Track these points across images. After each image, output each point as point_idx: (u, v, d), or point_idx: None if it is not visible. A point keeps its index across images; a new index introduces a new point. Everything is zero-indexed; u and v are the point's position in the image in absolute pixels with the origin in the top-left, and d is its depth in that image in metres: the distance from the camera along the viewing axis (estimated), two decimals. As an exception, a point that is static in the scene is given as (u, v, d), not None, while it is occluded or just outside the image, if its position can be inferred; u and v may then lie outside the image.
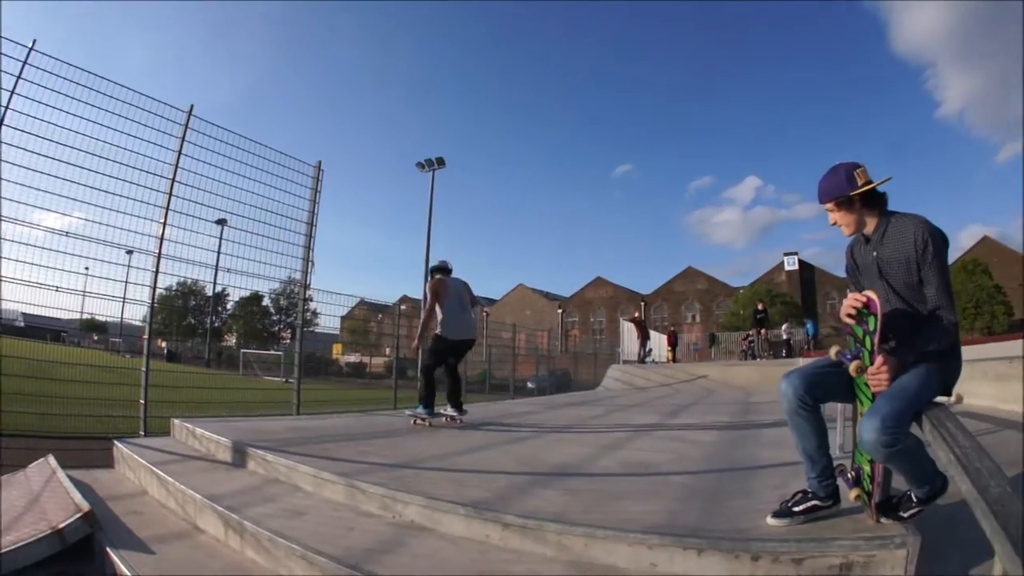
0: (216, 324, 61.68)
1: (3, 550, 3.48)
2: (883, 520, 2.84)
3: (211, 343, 56.01)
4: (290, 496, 4.27)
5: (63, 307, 6.85)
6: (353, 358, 45.27)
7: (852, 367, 2.76)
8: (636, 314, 29.57)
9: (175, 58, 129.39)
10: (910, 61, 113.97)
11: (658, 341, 28.27)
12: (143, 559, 3.50)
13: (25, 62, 6.56)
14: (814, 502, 2.97)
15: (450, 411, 8.02)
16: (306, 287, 9.79)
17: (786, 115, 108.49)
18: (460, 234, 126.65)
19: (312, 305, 13.67)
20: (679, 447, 5.93)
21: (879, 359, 2.69)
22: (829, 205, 3.02)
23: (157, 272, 7.50)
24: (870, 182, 2.93)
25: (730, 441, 6.39)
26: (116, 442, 5.80)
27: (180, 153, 7.78)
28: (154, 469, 4.90)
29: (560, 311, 70.27)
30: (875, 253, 2.98)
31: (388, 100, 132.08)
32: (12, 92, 6.45)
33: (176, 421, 6.46)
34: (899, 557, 2.56)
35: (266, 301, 58.21)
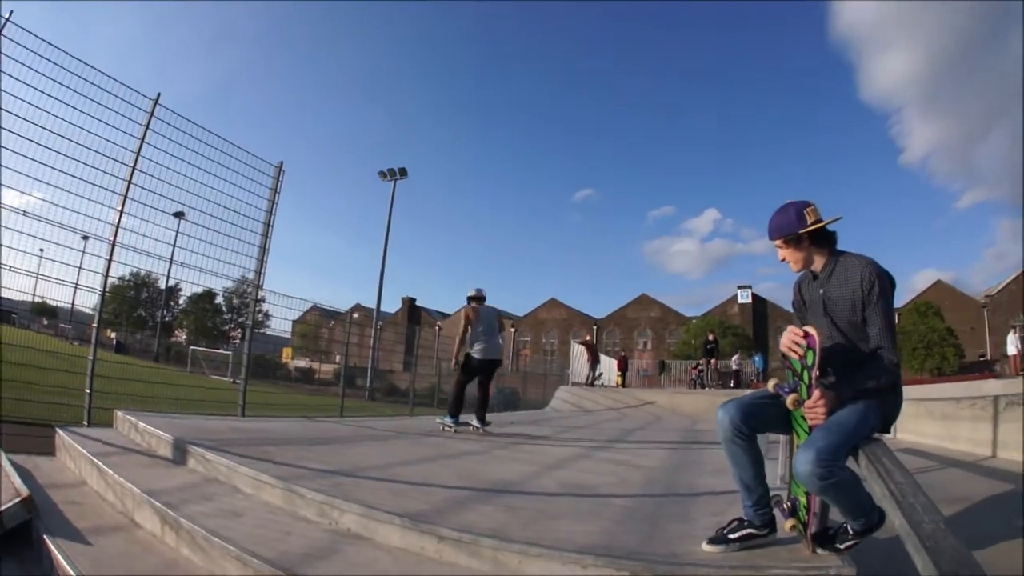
0: (167, 318, 60.58)
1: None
2: (819, 551, 2.84)
3: (160, 337, 54.95)
4: (228, 496, 4.20)
5: (15, 288, 6.79)
6: (303, 363, 44.90)
7: (789, 400, 2.77)
8: (587, 337, 29.58)
9: (146, 41, 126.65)
10: (876, 106, 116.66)
11: (608, 365, 28.40)
12: (80, 550, 3.41)
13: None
14: (750, 530, 2.96)
15: (475, 422, 8.88)
16: (259, 287, 9.62)
17: (748, 151, 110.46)
18: (418, 246, 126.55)
19: (264, 307, 13.49)
20: (621, 470, 5.93)
21: (816, 393, 2.70)
22: (778, 242, 3.04)
23: (111, 260, 7.32)
24: (820, 220, 2.96)
25: (672, 467, 6.41)
26: (59, 430, 5.65)
27: (143, 141, 7.61)
28: (95, 460, 4.77)
29: (513, 330, 70.27)
30: (822, 291, 3.01)
31: (356, 107, 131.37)
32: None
33: (119, 413, 6.30)
34: (835, 588, 2.57)
35: (219, 299, 57.50)
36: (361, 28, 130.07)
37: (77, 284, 7.35)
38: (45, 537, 3.53)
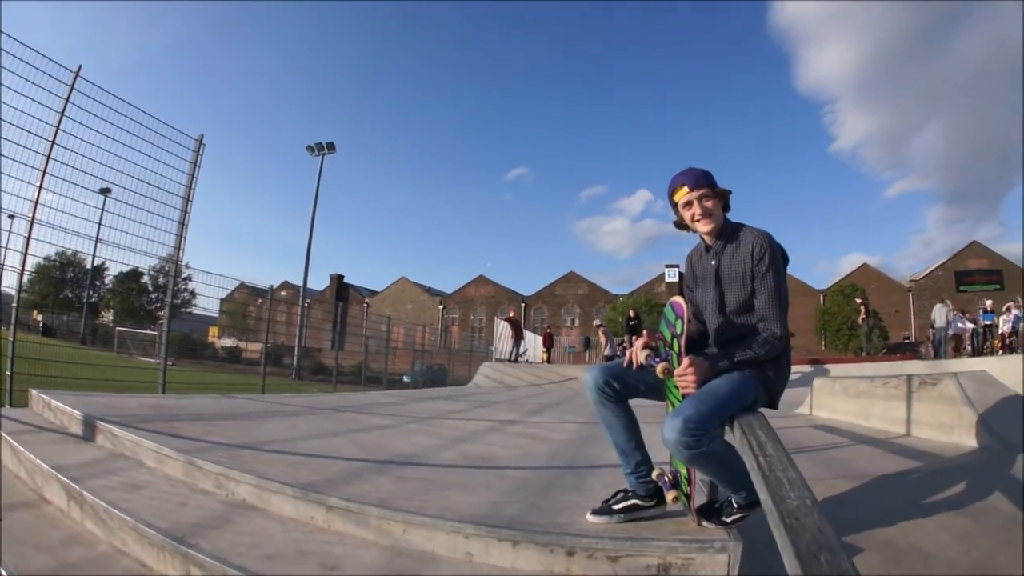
0: (93, 299, 58.47)
1: None
2: (705, 524, 2.85)
3: (87, 319, 53.08)
4: (133, 471, 4.20)
5: None
6: (230, 342, 44.03)
7: (659, 369, 2.76)
8: (511, 313, 29.79)
9: (67, 16, 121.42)
10: (811, 95, 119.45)
11: (533, 342, 28.58)
12: None
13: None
14: (634, 500, 2.95)
15: None
16: (178, 263, 9.60)
17: (682, 135, 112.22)
18: (346, 221, 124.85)
19: (191, 285, 13.14)
20: (527, 443, 5.94)
21: (685, 361, 2.68)
22: (708, 190, 2.91)
23: (29, 236, 7.15)
24: None
25: (581, 440, 6.44)
26: None
27: (63, 115, 7.48)
28: (7, 438, 4.74)
29: (441, 307, 70.15)
30: (714, 262, 2.99)
31: (282, 81, 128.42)
32: None
33: (33, 392, 6.16)
34: (719, 561, 2.57)
35: (145, 279, 55.73)
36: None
37: (2, 264, 7.24)
38: None
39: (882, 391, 7.43)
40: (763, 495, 2.04)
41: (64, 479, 3.79)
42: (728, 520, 2.82)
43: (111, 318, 54.33)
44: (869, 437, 6.56)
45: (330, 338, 33.70)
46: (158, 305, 55.54)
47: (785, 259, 2.91)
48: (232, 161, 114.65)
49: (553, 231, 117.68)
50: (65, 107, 7.44)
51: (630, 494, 2.98)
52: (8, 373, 6.81)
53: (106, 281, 58.40)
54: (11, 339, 6.96)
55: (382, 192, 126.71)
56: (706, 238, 3.03)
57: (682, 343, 2.77)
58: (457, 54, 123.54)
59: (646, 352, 2.87)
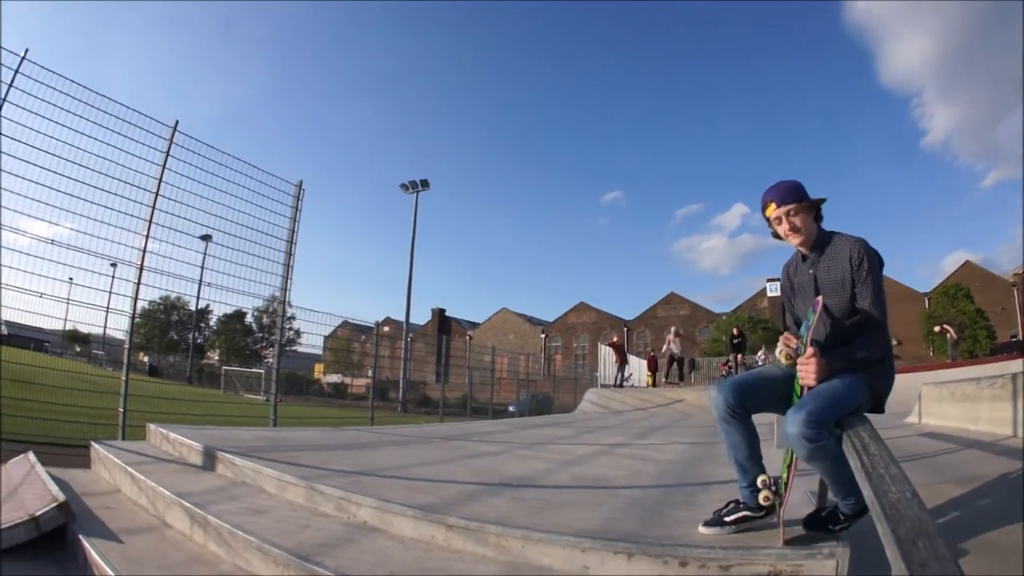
0: (199, 340, 61.22)
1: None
2: (810, 533, 2.88)
3: (193, 359, 55.63)
4: (254, 497, 4.40)
5: (46, 313, 7.08)
6: (335, 378, 45.23)
7: (783, 356, 2.87)
8: (615, 339, 29.43)
9: (160, 71, 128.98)
10: (897, 91, 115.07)
11: (638, 366, 28.29)
12: (112, 547, 3.60)
13: (17, 70, 6.70)
14: (745, 512, 3.00)
15: None
16: (285, 303, 9.91)
17: (774, 145, 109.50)
18: (444, 257, 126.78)
19: (295, 324, 13.67)
20: (636, 464, 5.98)
21: (810, 350, 2.76)
22: (791, 207, 2.98)
23: (139, 283, 7.62)
24: None
25: (689, 460, 6.44)
26: (93, 443, 5.85)
27: (164, 167, 7.94)
28: (128, 468, 4.98)
29: (543, 335, 70.26)
30: (812, 271, 3.04)
31: (375, 120, 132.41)
32: (3, 99, 6.59)
33: (151, 426, 6.49)
34: (828, 567, 2.60)
35: (249, 319, 58.07)
36: (379, 30, 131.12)
37: (108, 307, 7.69)
38: (80, 537, 3.72)
39: (988, 392, 7.12)
40: (866, 491, 2.10)
41: (187, 504, 4.01)
42: (835, 528, 2.86)
43: (217, 357, 56.61)
44: (976, 441, 6.32)
45: (434, 371, 34.35)
46: (263, 344, 57.70)
47: (881, 263, 2.93)
48: (330, 201, 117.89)
49: (651, 252, 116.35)
50: (166, 160, 7.95)
51: (742, 506, 3.03)
52: (121, 410, 7.21)
53: (211, 322, 60.82)
54: (124, 378, 7.43)
55: (479, 223, 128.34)
56: (801, 249, 3.11)
57: (809, 336, 2.83)
58: (549, 78, 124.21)
59: (786, 352, 2.95)
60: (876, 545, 1.91)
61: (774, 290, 60.77)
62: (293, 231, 9.79)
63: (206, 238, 8.90)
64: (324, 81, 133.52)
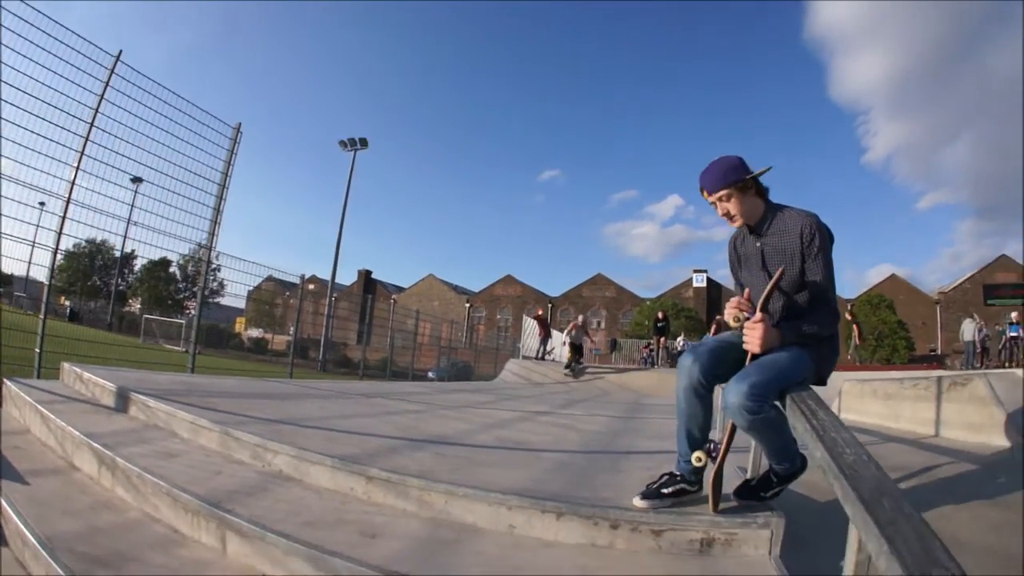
0: (121, 287, 59.18)
1: None
2: (738, 501, 2.87)
3: (114, 306, 53.81)
4: (166, 441, 4.21)
5: None
6: (256, 333, 44.50)
7: (731, 319, 2.78)
8: (539, 312, 29.63)
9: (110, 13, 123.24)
10: (845, 106, 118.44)
11: (560, 341, 28.49)
12: (17, 489, 3.39)
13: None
14: (683, 485, 2.90)
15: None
16: (212, 249, 9.55)
17: (714, 143, 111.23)
18: (376, 218, 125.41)
19: (220, 275, 13.17)
20: (560, 432, 5.92)
21: (758, 315, 2.68)
22: (724, 192, 2.91)
23: (64, 217, 7.13)
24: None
25: (612, 431, 6.42)
26: (6, 381, 5.53)
27: (102, 97, 7.47)
28: (38, 407, 4.73)
29: (468, 305, 70.19)
30: (759, 244, 2.96)
31: (318, 75, 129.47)
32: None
33: (65, 365, 6.18)
34: (762, 537, 2.58)
35: (174, 268, 56.47)
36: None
37: (34, 243, 7.13)
38: None
39: (911, 392, 7.33)
40: (819, 452, 2.03)
41: (96, 445, 3.79)
42: (767, 495, 2.84)
43: (139, 306, 55.03)
44: (898, 437, 6.50)
45: (356, 332, 34.00)
46: (186, 295, 56.22)
47: (831, 239, 2.86)
48: (263, 152, 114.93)
49: (583, 234, 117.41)
50: (104, 90, 7.46)
51: (678, 478, 2.93)
52: (37, 351, 6.87)
53: (135, 269, 59.05)
54: (41, 317, 7.06)
55: (411, 190, 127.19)
56: (745, 227, 3.03)
57: (760, 302, 2.74)
58: (492, 52, 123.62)
59: (734, 312, 2.84)
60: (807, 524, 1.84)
61: (700, 280, 62.13)
62: (227, 175, 9.35)
63: (137, 180, 8.34)
64: (266, 31, 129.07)
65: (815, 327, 2.75)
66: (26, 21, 6.56)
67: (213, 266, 10.24)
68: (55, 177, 6.94)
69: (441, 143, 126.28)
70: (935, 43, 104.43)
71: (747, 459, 3.31)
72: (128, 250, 49.14)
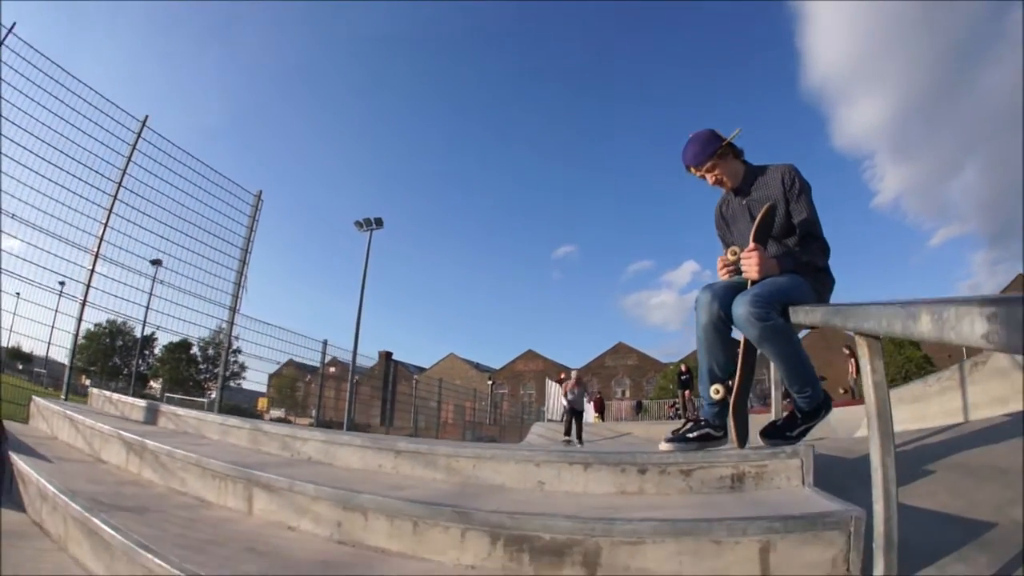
0: (142, 368, 59.45)
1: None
2: (765, 440, 2.89)
3: (135, 386, 53.93)
4: (196, 440, 4.37)
5: None
6: (279, 413, 44.41)
7: (728, 252, 2.91)
8: (562, 375, 29.44)
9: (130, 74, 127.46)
10: (848, 154, 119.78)
11: (586, 406, 28.27)
12: (42, 464, 3.48)
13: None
14: (707, 430, 2.93)
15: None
16: (235, 311, 9.27)
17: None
18: (394, 299, 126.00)
19: (240, 358, 13.17)
20: (590, 447, 5.89)
21: (751, 245, 2.78)
22: (710, 162, 3.12)
23: (85, 302, 7.05)
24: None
25: (647, 438, 6.38)
26: (34, 398, 5.65)
27: (126, 166, 7.46)
28: (67, 412, 4.87)
29: (490, 382, 69.79)
30: (744, 202, 3.14)
31: (332, 154, 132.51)
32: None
33: (94, 390, 6.42)
34: (792, 467, 2.56)
35: (195, 350, 56.83)
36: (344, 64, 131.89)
37: (53, 325, 7.06)
38: (11, 454, 3.55)
39: (936, 388, 7.21)
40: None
41: (125, 434, 3.91)
42: (793, 434, 2.85)
43: (159, 386, 55.06)
44: (918, 432, 6.42)
45: (379, 413, 33.81)
46: (207, 376, 56.32)
47: (810, 186, 3.03)
48: (278, 234, 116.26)
49: (601, 307, 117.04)
50: (131, 153, 7.48)
51: (703, 423, 2.96)
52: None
53: (155, 351, 59.30)
54: (63, 397, 6.99)
55: (429, 270, 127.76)
56: (732, 189, 3.24)
57: (752, 234, 2.84)
58: (508, 126, 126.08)
59: (720, 262, 2.99)
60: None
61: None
62: (249, 240, 9.21)
63: (156, 262, 8.25)
64: (281, 111, 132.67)
65: (808, 257, 2.86)
66: (57, 98, 6.68)
67: (234, 347, 10.11)
68: (74, 263, 6.88)
69: (452, 224, 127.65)
70: (928, 71, 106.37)
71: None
72: (148, 332, 49.61)
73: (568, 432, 16.98)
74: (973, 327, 1.26)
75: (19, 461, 3.36)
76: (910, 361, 45.36)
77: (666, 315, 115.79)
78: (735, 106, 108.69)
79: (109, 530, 2.24)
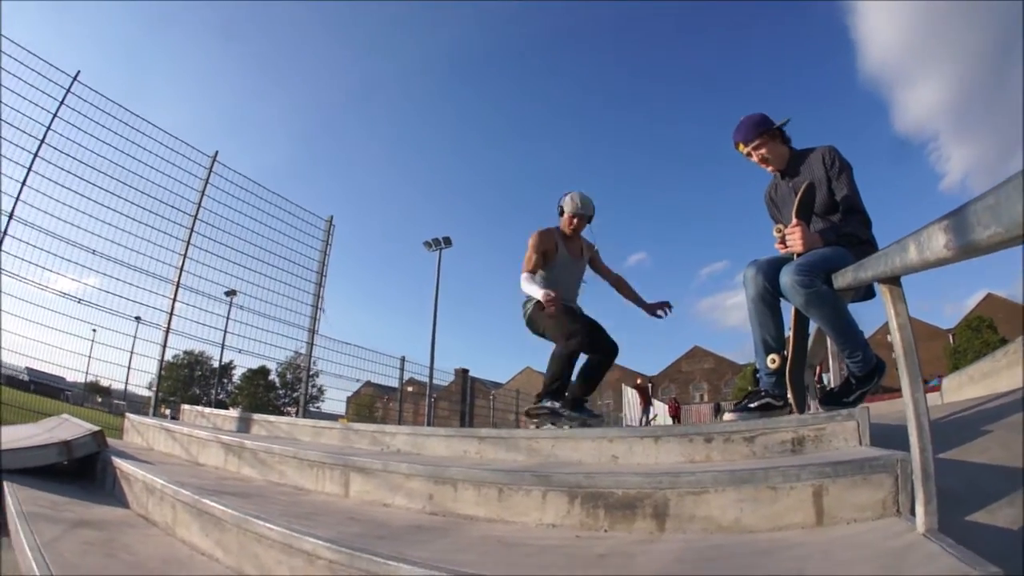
0: (221, 396, 60.90)
1: (11, 447, 3.78)
2: (822, 408, 3.08)
3: (216, 413, 55.15)
4: (290, 443, 4.55)
5: (68, 366, 6.85)
6: (358, 434, 44.94)
7: (774, 230, 3.06)
8: (638, 381, 29.32)
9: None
10: (913, 137, 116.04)
11: (661, 410, 28.08)
12: (144, 466, 3.70)
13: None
14: (767, 400, 3.11)
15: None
16: (314, 332, 9.72)
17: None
18: (465, 314, 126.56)
19: (319, 381, 13.48)
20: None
21: (794, 220, 2.98)
22: (757, 141, 3.37)
23: (168, 331, 7.49)
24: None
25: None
26: (128, 415, 6.00)
27: (203, 194, 7.97)
28: (163, 424, 5.21)
29: (568, 394, 69.56)
30: (790, 184, 3.37)
31: (399, 178, 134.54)
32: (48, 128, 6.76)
33: (185, 407, 6.81)
34: (849, 428, 2.68)
35: (272, 376, 57.97)
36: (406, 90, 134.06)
37: (129, 366, 7.56)
38: (113, 458, 3.83)
39: (1005, 361, 7.10)
40: None
41: (224, 437, 4.24)
42: (849, 399, 3.00)
43: (237, 414, 56.08)
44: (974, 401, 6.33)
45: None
46: (286, 400, 57.36)
47: (851, 165, 3.23)
48: (347, 258, 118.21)
49: (675, 311, 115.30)
50: (205, 187, 8.01)
51: (763, 393, 3.14)
52: (153, 391, 7.50)
53: (233, 378, 60.43)
54: (154, 390, 7.69)
55: (500, 288, 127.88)
56: (777, 172, 3.48)
57: (794, 209, 3.04)
58: (576, 140, 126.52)
59: (775, 228, 3.15)
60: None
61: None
62: (323, 264, 9.66)
63: (231, 293, 8.67)
64: (350, 136, 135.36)
65: (850, 227, 3.03)
66: (133, 142, 7.30)
67: (312, 371, 10.43)
68: (157, 294, 7.40)
69: (517, 236, 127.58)
70: (977, 51, 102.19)
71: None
72: (226, 360, 50.86)
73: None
74: (938, 241, 1.44)
75: (123, 464, 3.66)
76: (988, 345, 43.59)
77: (743, 316, 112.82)
78: (797, 103, 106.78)
79: (219, 507, 2.48)
